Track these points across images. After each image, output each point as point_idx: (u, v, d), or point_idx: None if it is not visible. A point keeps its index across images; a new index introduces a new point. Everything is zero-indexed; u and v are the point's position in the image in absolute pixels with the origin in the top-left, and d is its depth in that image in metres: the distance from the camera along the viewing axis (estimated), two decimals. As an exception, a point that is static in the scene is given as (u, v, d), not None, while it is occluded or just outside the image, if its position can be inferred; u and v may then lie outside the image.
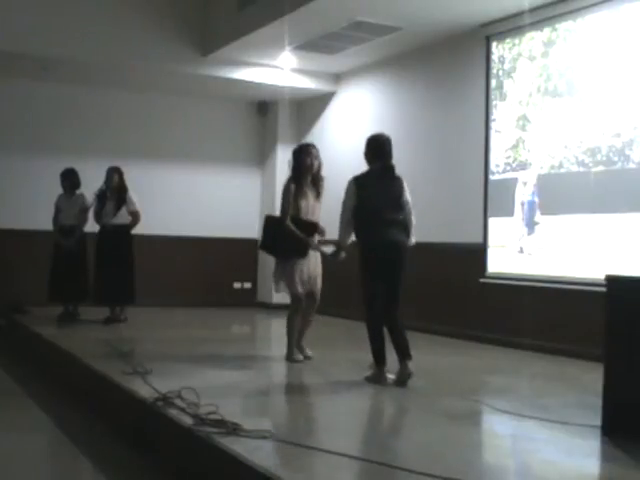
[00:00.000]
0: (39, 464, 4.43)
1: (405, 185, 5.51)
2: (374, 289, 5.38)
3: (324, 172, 6.29)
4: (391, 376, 5.37)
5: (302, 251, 5.97)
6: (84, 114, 10.54)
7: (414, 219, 5.53)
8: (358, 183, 5.43)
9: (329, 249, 5.80)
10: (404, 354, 5.29)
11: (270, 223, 6.24)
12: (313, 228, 6.05)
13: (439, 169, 8.61)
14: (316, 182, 6.14)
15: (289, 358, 6.17)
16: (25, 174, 10.14)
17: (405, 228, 5.45)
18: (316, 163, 6.08)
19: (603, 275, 4.14)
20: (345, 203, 5.46)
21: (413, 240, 5.54)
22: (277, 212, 6.45)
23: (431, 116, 8.85)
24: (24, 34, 8.69)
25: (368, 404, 4.93)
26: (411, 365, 5.29)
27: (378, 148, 5.54)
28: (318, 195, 6.15)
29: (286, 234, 5.97)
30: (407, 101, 9.27)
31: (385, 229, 5.36)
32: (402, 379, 5.23)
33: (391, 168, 5.52)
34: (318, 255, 6.13)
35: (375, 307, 5.37)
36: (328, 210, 6.23)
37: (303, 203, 6.02)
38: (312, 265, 6.09)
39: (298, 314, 6.16)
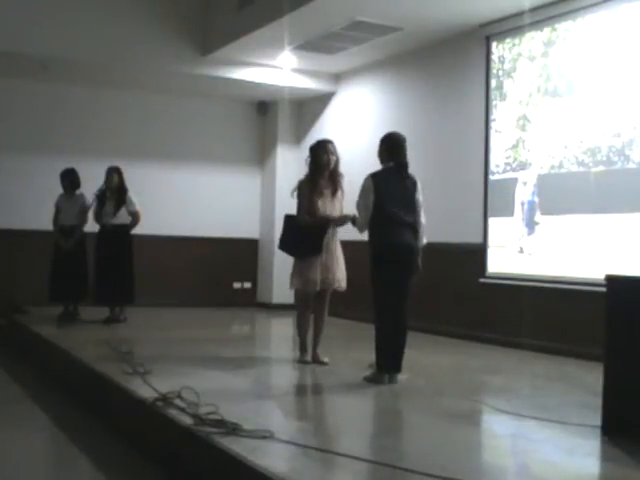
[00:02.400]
0: (39, 464, 4.43)
1: (419, 186, 5.48)
2: (386, 294, 5.29)
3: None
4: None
5: (317, 247, 5.82)
6: (84, 113, 10.53)
7: (424, 220, 5.50)
8: (375, 180, 5.37)
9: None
10: (395, 364, 5.29)
11: (288, 222, 6.10)
12: (327, 222, 5.90)
13: (439, 169, 8.59)
14: (333, 179, 5.96)
15: (299, 359, 6.08)
16: (25, 174, 10.13)
17: (416, 230, 5.42)
18: (333, 159, 5.90)
19: (603, 275, 4.14)
20: (362, 201, 5.37)
21: (424, 241, 5.52)
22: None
23: (431, 116, 8.85)
24: (24, 33, 8.68)
25: (368, 404, 4.93)
26: (400, 376, 5.32)
27: (394, 146, 5.49)
28: (335, 192, 5.97)
29: (303, 232, 5.85)
30: (407, 101, 9.26)
31: (397, 231, 5.32)
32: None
33: (405, 166, 5.46)
34: (339, 254, 6.00)
35: (386, 313, 5.30)
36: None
37: (320, 202, 5.88)
38: (329, 264, 5.91)
39: (307, 312, 6.07)
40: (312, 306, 6.04)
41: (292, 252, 6.03)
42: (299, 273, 5.93)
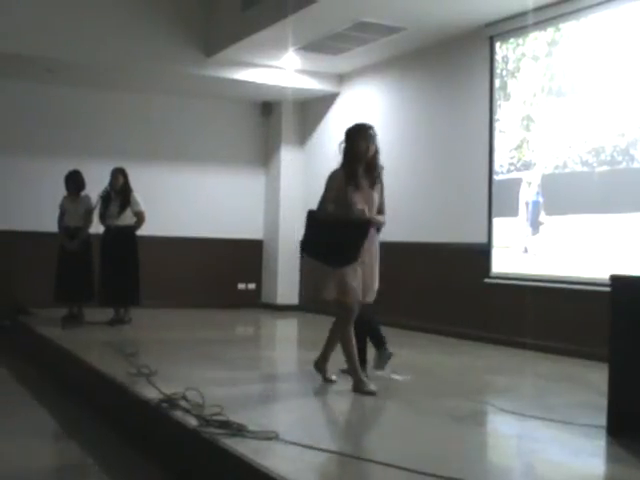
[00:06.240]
0: (43, 465, 4.43)
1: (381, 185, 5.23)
2: None
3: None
4: (396, 376, 5.44)
5: (353, 254, 4.86)
6: (88, 115, 10.56)
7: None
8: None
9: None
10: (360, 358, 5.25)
11: (312, 220, 5.07)
12: (366, 226, 4.93)
13: (443, 169, 8.60)
14: (371, 170, 5.03)
15: (357, 387, 5.02)
16: (30, 175, 10.15)
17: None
18: (372, 148, 5.00)
19: (608, 275, 4.13)
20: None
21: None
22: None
23: (435, 116, 8.85)
24: (28, 36, 8.70)
25: (371, 404, 4.92)
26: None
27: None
28: (373, 185, 5.04)
29: (337, 233, 4.85)
30: (411, 101, 9.26)
31: None
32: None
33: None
34: (373, 258, 5.06)
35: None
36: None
37: (357, 196, 4.94)
38: (367, 272, 5.01)
39: (350, 329, 5.07)
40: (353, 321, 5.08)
41: (319, 257, 4.93)
42: (337, 280, 4.91)
